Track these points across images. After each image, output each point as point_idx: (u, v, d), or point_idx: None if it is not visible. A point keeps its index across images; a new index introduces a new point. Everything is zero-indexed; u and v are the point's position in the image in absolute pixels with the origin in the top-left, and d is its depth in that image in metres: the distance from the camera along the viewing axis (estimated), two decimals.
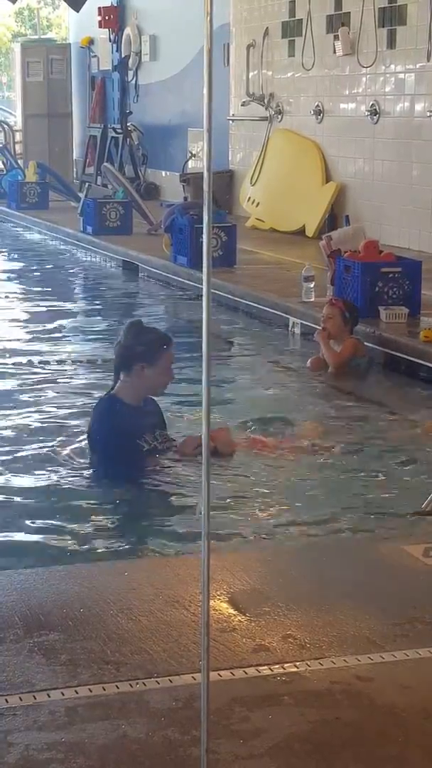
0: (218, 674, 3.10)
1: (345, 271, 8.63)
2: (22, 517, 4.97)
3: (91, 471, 5.47)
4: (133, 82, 20.33)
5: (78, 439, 5.85)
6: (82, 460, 5.60)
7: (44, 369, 7.99)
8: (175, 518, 4.98)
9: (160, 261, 11.93)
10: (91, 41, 22.00)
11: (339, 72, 13.77)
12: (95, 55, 21.96)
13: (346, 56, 13.44)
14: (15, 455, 5.82)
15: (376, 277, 8.45)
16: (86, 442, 5.64)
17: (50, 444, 5.94)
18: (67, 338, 9.28)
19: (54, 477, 5.46)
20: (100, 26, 20.74)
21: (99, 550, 4.62)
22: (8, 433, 6.25)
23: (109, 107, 21.39)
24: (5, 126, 21.92)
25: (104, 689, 3.05)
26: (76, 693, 3.02)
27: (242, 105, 15.98)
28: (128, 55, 20.23)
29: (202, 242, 2.37)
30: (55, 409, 6.75)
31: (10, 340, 9.04)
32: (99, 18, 20.49)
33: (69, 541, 4.69)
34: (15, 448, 5.94)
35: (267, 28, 15.37)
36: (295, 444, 5.95)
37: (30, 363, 8.17)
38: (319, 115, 14.28)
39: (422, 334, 7.77)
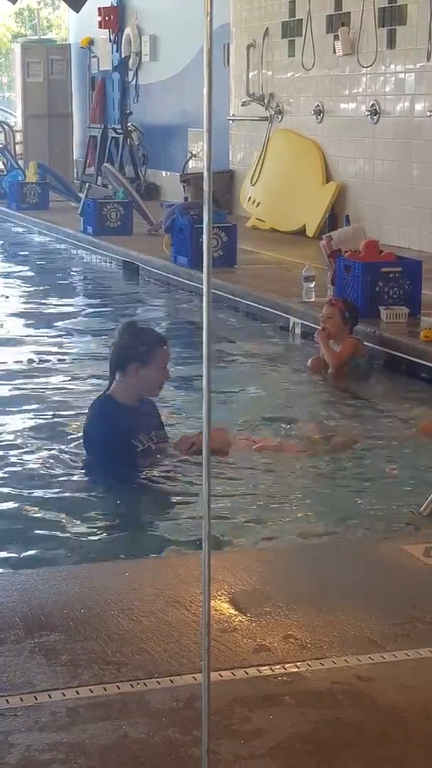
0: (219, 674, 3.10)
1: (345, 271, 8.63)
2: (22, 517, 4.98)
3: (88, 471, 5.48)
4: (134, 82, 20.34)
5: (77, 439, 5.86)
6: (80, 461, 5.60)
7: (44, 369, 7.99)
8: (175, 518, 4.98)
9: (161, 261, 11.93)
10: (91, 42, 22.00)
11: (339, 72, 13.78)
12: (95, 56, 21.97)
13: (346, 56, 13.44)
14: (15, 455, 5.82)
15: (376, 277, 8.45)
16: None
17: (50, 444, 5.95)
18: (68, 338, 9.28)
19: (54, 477, 5.46)
20: (100, 26, 20.75)
21: (99, 551, 4.62)
22: (8, 433, 6.25)
23: (109, 107, 21.40)
24: (5, 126, 21.93)
25: (105, 690, 3.05)
26: (77, 693, 3.02)
27: (242, 105, 15.99)
28: (128, 56, 20.23)
29: (202, 242, 2.38)
30: (55, 410, 6.75)
31: (10, 340, 9.05)
32: (99, 18, 20.50)
33: (69, 542, 4.70)
34: (15, 449, 5.94)
35: (267, 28, 15.37)
36: (291, 443, 5.94)
37: (30, 362, 8.17)
38: (320, 115, 14.28)
39: (422, 334, 7.77)
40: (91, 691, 3.04)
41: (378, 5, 12.68)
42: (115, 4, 20.59)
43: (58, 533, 4.79)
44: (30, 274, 13.17)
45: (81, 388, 7.30)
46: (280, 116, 15.30)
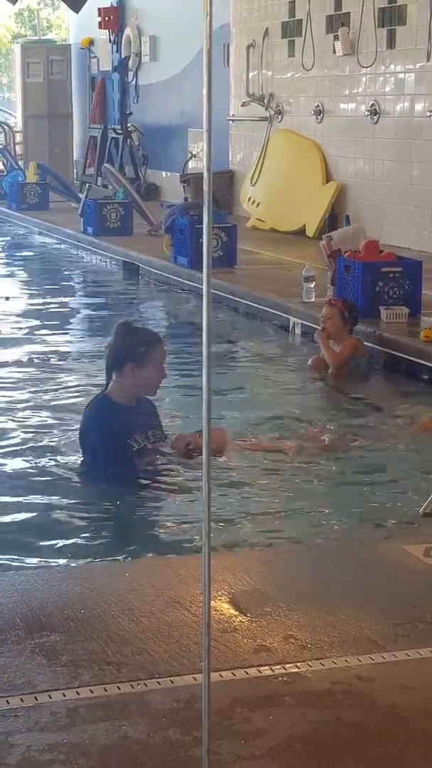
0: (219, 675, 3.10)
1: (345, 271, 8.63)
2: (21, 518, 4.97)
3: (85, 471, 5.48)
4: (133, 82, 20.34)
5: (76, 440, 5.86)
6: (78, 461, 5.60)
7: (44, 369, 8.00)
8: (174, 518, 4.98)
9: (161, 261, 11.93)
10: (91, 42, 22.00)
11: (339, 72, 13.78)
12: (95, 56, 21.97)
13: (345, 56, 13.44)
14: (14, 456, 5.82)
15: (376, 277, 8.45)
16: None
17: (49, 445, 5.95)
18: (68, 339, 9.29)
19: (53, 478, 5.46)
20: (100, 27, 20.74)
21: (99, 551, 4.62)
22: (8, 434, 6.25)
23: (109, 108, 21.40)
24: (5, 127, 21.93)
25: (105, 690, 3.05)
26: (78, 694, 3.02)
27: (242, 105, 15.98)
28: (128, 56, 20.23)
29: (202, 243, 2.38)
30: (55, 410, 6.75)
31: (10, 341, 9.05)
32: (99, 19, 20.50)
33: (69, 542, 4.69)
34: (15, 449, 5.94)
35: (267, 28, 15.37)
36: (287, 444, 5.94)
37: (30, 363, 8.18)
38: (319, 115, 14.28)
39: (423, 334, 7.77)
40: (92, 692, 3.04)
41: (378, 5, 12.68)
42: (115, 5, 20.59)
43: (58, 534, 4.79)
44: (30, 274, 13.17)
45: (81, 388, 7.30)
46: (279, 116, 15.30)
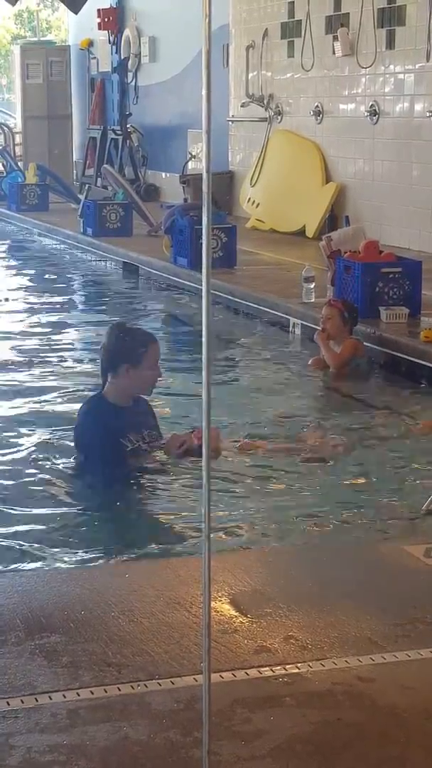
0: (220, 676, 3.10)
1: (345, 272, 8.63)
2: (21, 519, 4.97)
3: (82, 472, 5.48)
4: (133, 83, 20.34)
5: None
6: (74, 461, 5.61)
7: (44, 370, 8.00)
8: (174, 519, 4.98)
9: (161, 262, 11.93)
10: (90, 43, 22.01)
11: (338, 73, 13.78)
12: (95, 57, 21.97)
13: (345, 57, 13.44)
14: (14, 457, 5.82)
15: (376, 278, 8.45)
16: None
17: (49, 446, 5.95)
18: (67, 339, 9.29)
19: (53, 479, 5.46)
20: (99, 28, 20.74)
21: (99, 552, 4.62)
22: (7, 434, 6.25)
23: (108, 109, 21.40)
24: (5, 128, 21.93)
25: (106, 691, 3.05)
26: (78, 695, 3.02)
27: (242, 106, 15.99)
28: (128, 57, 20.23)
29: (202, 243, 2.37)
30: (54, 411, 6.75)
31: (10, 341, 9.05)
32: (98, 20, 20.50)
33: (69, 543, 4.69)
34: (14, 450, 5.94)
35: (266, 29, 15.37)
36: (284, 446, 5.93)
37: (30, 363, 8.18)
38: (319, 115, 14.28)
39: (422, 335, 7.77)
40: (92, 693, 3.04)
41: (377, 6, 12.68)
42: (115, 6, 20.59)
43: (58, 534, 4.79)
44: (30, 275, 13.16)
45: (80, 389, 7.30)
46: (279, 117, 15.30)
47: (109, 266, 13.54)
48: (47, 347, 8.86)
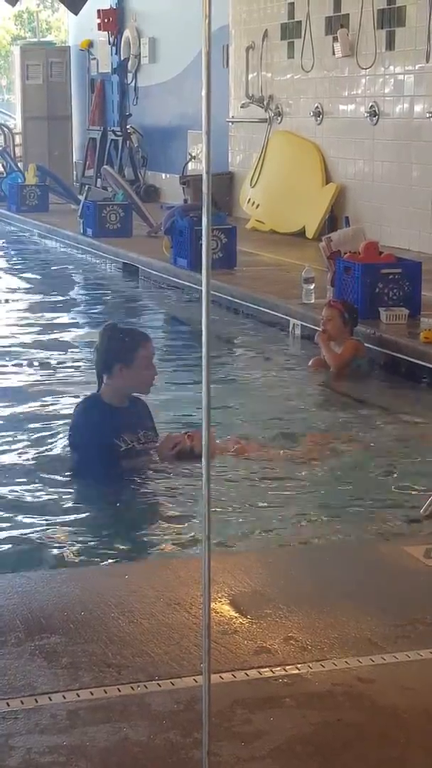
0: (219, 676, 3.09)
1: (345, 273, 8.63)
2: (20, 520, 4.97)
3: (78, 472, 5.48)
4: (133, 84, 20.34)
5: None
6: (74, 462, 5.60)
7: (44, 371, 8.00)
8: (172, 520, 4.97)
9: (161, 263, 11.93)
10: (90, 44, 22.00)
11: (338, 73, 13.78)
12: (94, 58, 21.97)
13: (345, 58, 13.44)
14: (13, 457, 5.82)
15: (376, 279, 8.45)
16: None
17: (48, 446, 5.95)
18: (67, 340, 9.28)
19: (52, 479, 5.46)
20: (99, 29, 20.74)
21: (99, 553, 4.61)
22: (6, 434, 6.25)
23: (108, 110, 21.40)
24: (5, 129, 21.93)
25: (106, 692, 3.05)
26: (78, 696, 3.02)
27: (242, 107, 15.99)
28: (127, 58, 20.23)
29: (202, 244, 2.37)
30: (53, 412, 6.75)
31: (10, 341, 9.05)
32: (98, 21, 20.50)
33: (68, 544, 4.69)
34: (13, 450, 5.95)
35: (266, 29, 15.38)
36: (276, 448, 5.91)
37: (30, 365, 8.18)
38: (319, 116, 14.28)
39: (422, 335, 7.77)
40: (92, 694, 3.03)
41: (377, 7, 12.69)
42: (114, 7, 20.60)
43: (57, 535, 4.79)
44: (29, 276, 13.16)
45: (80, 389, 7.29)
46: (279, 118, 15.30)
47: (109, 267, 13.54)
48: (47, 348, 8.85)
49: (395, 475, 5.61)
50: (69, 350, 8.86)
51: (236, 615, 3.51)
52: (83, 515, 5.06)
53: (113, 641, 3.31)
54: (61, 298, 11.54)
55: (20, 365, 8.18)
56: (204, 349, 2.38)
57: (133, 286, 12.41)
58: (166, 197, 18.16)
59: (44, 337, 9.30)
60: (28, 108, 22.20)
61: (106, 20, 20.54)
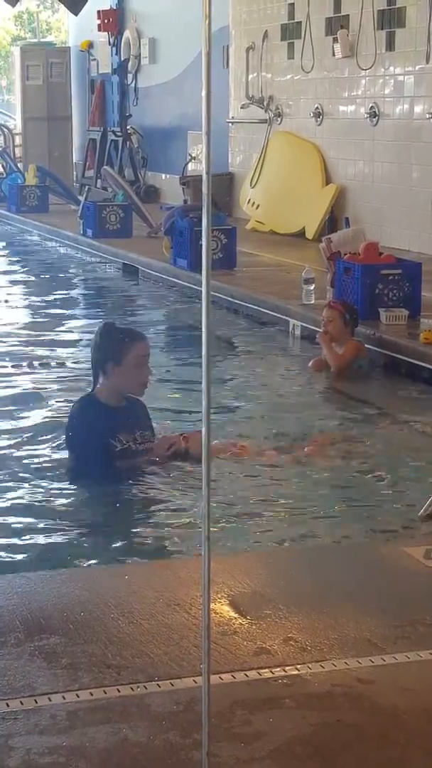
0: (219, 677, 3.09)
1: (345, 273, 8.63)
2: (20, 520, 4.97)
3: (74, 472, 5.47)
4: (133, 85, 20.34)
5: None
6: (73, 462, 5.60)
7: (44, 372, 8.00)
8: (171, 520, 4.97)
9: (161, 264, 11.93)
10: (90, 44, 22.00)
11: (338, 74, 13.78)
12: (95, 59, 21.97)
13: (345, 58, 13.44)
14: (13, 457, 5.82)
15: (376, 279, 8.45)
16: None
17: (47, 447, 5.95)
18: (67, 340, 9.28)
19: (51, 480, 5.46)
20: (99, 29, 20.74)
21: (99, 553, 4.61)
22: (6, 435, 6.25)
23: (108, 110, 21.39)
24: (5, 129, 21.92)
25: (105, 693, 3.04)
26: (77, 697, 3.02)
27: (242, 107, 15.99)
28: (127, 58, 20.23)
29: (202, 245, 2.37)
30: (52, 413, 6.74)
31: (9, 342, 9.05)
32: (98, 21, 20.50)
33: (68, 544, 4.69)
34: (13, 451, 5.94)
35: (266, 30, 15.38)
36: (273, 450, 5.91)
37: (30, 365, 8.17)
38: (319, 117, 14.28)
39: (422, 336, 7.77)
40: (92, 695, 3.03)
41: (377, 7, 12.68)
42: (114, 7, 20.59)
43: (56, 535, 4.79)
44: (29, 277, 13.16)
45: (79, 390, 7.29)
46: (279, 119, 15.30)
47: (109, 268, 13.54)
48: (46, 348, 8.85)
49: (395, 476, 5.60)
50: (69, 350, 8.86)
51: (236, 616, 3.51)
52: (83, 515, 5.05)
53: (113, 642, 3.31)
54: (60, 298, 11.54)
55: (20, 365, 8.18)
56: (204, 350, 2.38)
57: (132, 287, 12.41)
58: (166, 198, 18.16)
59: (44, 338, 9.30)
60: (28, 108, 22.20)
61: (106, 21, 20.54)
